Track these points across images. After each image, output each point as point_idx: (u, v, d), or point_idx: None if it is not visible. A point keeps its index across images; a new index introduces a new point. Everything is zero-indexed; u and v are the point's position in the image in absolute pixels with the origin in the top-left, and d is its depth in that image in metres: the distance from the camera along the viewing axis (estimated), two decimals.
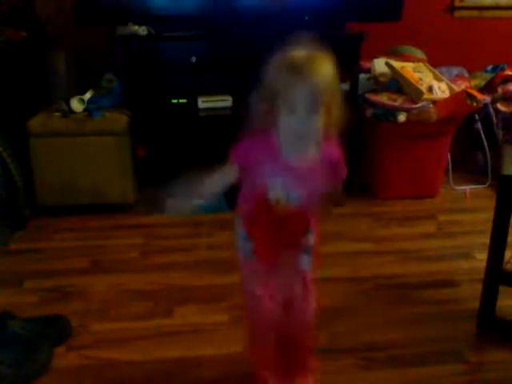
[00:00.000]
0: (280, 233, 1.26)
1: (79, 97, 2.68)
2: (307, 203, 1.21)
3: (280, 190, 1.18)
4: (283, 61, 1.11)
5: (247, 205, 1.27)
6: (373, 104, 2.76)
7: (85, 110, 2.67)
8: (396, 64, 2.77)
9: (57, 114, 2.64)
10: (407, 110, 2.68)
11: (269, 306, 1.34)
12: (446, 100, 2.68)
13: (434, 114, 2.68)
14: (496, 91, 2.93)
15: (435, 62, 2.94)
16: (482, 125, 2.99)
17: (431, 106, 2.68)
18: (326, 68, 1.10)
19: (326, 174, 1.20)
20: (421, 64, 2.86)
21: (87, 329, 1.78)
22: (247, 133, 1.19)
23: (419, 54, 2.95)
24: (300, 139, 1.13)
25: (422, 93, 2.64)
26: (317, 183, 1.19)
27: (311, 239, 1.32)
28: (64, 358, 1.64)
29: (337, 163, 1.22)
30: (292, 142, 1.14)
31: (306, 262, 1.32)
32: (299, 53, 1.11)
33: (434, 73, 2.83)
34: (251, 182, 1.21)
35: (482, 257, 1.81)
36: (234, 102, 2.70)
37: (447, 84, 2.76)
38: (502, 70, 3.01)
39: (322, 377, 1.55)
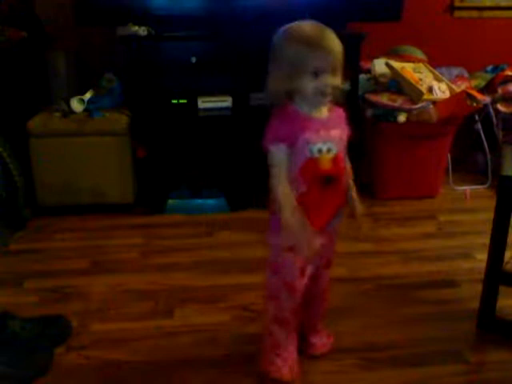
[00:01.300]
0: (328, 191, 1.37)
1: (79, 97, 2.68)
2: (341, 147, 1.38)
3: (318, 141, 1.32)
4: (298, 35, 1.28)
5: (296, 180, 1.34)
6: (373, 104, 2.76)
7: (85, 110, 2.67)
8: (396, 64, 2.77)
9: (57, 114, 2.64)
10: (407, 111, 2.68)
11: (301, 289, 1.46)
12: (446, 100, 2.68)
13: (434, 114, 2.68)
14: (496, 92, 2.93)
15: (435, 62, 2.95)
16: (482, 125, 2.99)
17: (431, 106, 2.68)
18: (335, 37, 1.28)
19: (341, 124, 1.39)
20: (421, 64, 2.86)
21: (87, 329, 1.78)
22: (271, 116, 1.31)
23: (419, 54, 2.95)
24: (323, 96, 1.29)
25: (422, 93, 2.64)
26: (340, 129, 1.38)
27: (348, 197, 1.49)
28: (64, 358, 1.64)
29: (344, 119, 1.42)
30: (313, 102, 1.31)
31: (339, 221, 1.48)
32: (308, 26, 1.30)
33: (434, 73, 2.83)
34: (295, 155, 1.32)
35: (482, 257, 1.81)
36: (233, 102, 2.70)
37: (447, 84, 2.77)
38: (502, 70, 3.01)
39: (322, 377, 1.56)
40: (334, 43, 1.27)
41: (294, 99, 1.32)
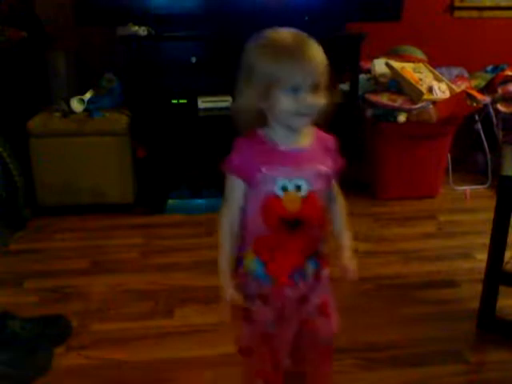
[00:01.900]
0: (294, 236, 1.16)
1: (79, 97, 2.68)
2: (318, 185, 1.14)
3: (285, 179, 1.11)
4: (273, 45, 1.08)
5: (255, 221, 1.16)
6: (373, 104, 2.76)
7: (85, 110, 2.67)
8: (396, 64, 2.77)
9: (57, 114, 2.64)
10: (407, 111, 2.68)
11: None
12: (446, 100, 2.68)
13: (434, 114, 2.68)
14: (496, 92, 2.93)
15: (435, 62, 2.95)
16: (482, 125, 2.99)
17: (431, 106, 2.68)
18: (318, 47, 1.09)
19: (324, 157, 1.16)
20: (421, 64, 2.86)
21: (87, 329, 1.78)
22: (235, 141, 1.13)
23: (419, 54, 2.95)
24: (302, 118, 1.09)
25: (422, 93, 2.64)
26: (322, 163, 1.14)
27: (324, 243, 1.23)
28: (64, 358, 1.64)
29: (332, 149, 1.18)
30: (289, 126, 1.11)
31: (323, 271, 1.23)
32: (285, 34, 1.08)
33: (434, 73, 2.83)
34: (255, 192, 1.14)
35: (482, 257, 1.81)
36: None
37: (447, 84, 2.77)
38: (502, 70, 3.01)
39: None
40: (316, 54, 1.07)
41: (265, 123, 1.12)
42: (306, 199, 1.12)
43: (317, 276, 1.22)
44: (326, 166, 1.15)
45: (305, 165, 1.12)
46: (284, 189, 1.12)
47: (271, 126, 1.12)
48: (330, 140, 1.19)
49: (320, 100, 1.09)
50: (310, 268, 1.20)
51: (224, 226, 1.22)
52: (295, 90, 1.05)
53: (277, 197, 1.12)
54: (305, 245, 1.18)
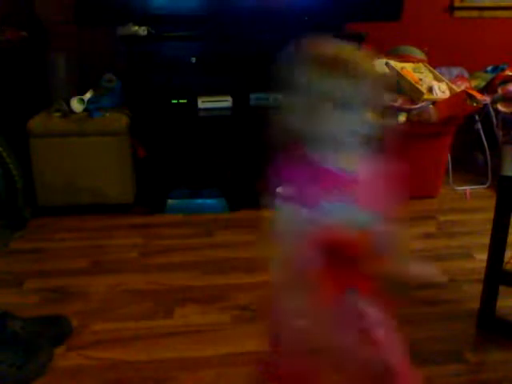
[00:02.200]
0: (338, 265, 1.03)
1: (79, 97, 2.68)
2: (371, 224, 1.00)
3: (335, 209, 0.98)
4: (317, 56, 0.98)
5: (299, 244, 1.05)
6: None
7: (85, 110, 2.67)
8: (396, 64, 2.77)
9: (57, 114, 2.64)
10: (407, 111, 2.68)
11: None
12: (446, 100, 2.68)
13: (434, 114, 2.68)
14: (496, 92, 2.93)
15: (435, 62, 2.94)
16: (481, 125, 2.99)
17: (431, 106, 2.68)
18: (369, 59, 1.02)
19: (379, 187, 1.01)
20: (421, 64, 2.86)
21: (87, 329, 1.78)
22: (274, 159, 1.02)
23: (419, 54, 2.95)
24: (350, 138, 0.98)
25: (421, 93, 2.64)
26: (375, 196, 1.00)
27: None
28: (64, 358, 1.64)
29: (390, 182, 1.02)
30: (335, 148, 0.99)
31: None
32: (331, 45, 0.99)
33: (434, 73, 2.83)
34: (300, 214, 1.02)
35: (482, 257, 1.81)
36: (234, 102, 2.70)
37: (447, 84, 2.76)
38: (502, 70, 3.01)
39: None
40: (369, 68, 0.98)
41: (307, 142, 1.01)
42: (356, 237, 1.01)
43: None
44: (368, 199, 1.01)
45: (360, 194, 1.01)
46: (332, 215, 1.01)
47: (317, 146, 1.00)
48: (384, 168, 1.03)
49: (372, 118, 0.98)
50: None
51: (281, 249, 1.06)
52: (344, 106, 0.96)
53: (325, 223, 1.01)
54: (348, 277, 1.06)
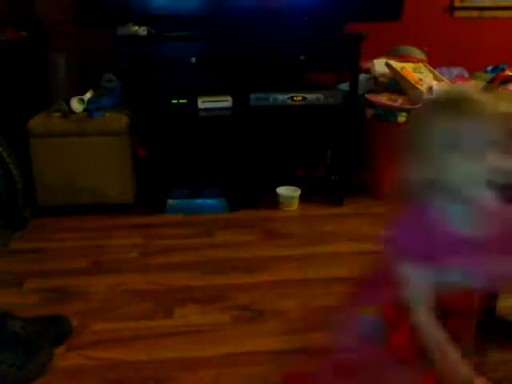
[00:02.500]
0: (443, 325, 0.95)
1: (79, 97, 2.68)
2: (483, 285, 0.93)
3: (454, 268, 0.91)
4: (449, 100, 0.91)
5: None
6: (373, 104, 2.76)
7: (85, 110, 2.67)
8: (396, 64, 2.77)
9: (57, 114, 2.64)
10: (407, 111, 2.68)
11: None
12: None
13: None
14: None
15: (435, 62, 2.94)
16: None
17: None
18: (509, 97, 0.94)
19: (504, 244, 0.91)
20: (421, 64, 2.86)
21: (87, 329, 1.78)
22: (400, 215, 0.95)
23: (419, 54, 2.95)
24: (483, 189, 0.87)
25: (422, 93, 2.64)
26: (493, 262, 0.91)
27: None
28: (64, 358, 1.64)
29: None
30: (465, 200, 0.89)
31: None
32: (463, 88, 0.96)
33: (434, 73, 2.83)
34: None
35: None
36: (234, 102, 2.70)
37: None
38: (502, 70, 3.00)
39: None
40: (506, 107, 0.87)
41: (433, 195, 0.91)
42: (466, 293, 0.95)
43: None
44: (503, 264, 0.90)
45: (483, 256, 0.90)
46: (448, 280, 0.93)
47: (443, 200, 0.91)
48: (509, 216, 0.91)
49: (509, 164, 0.85)
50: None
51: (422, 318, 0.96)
52: (476, 151, 0.85)
53: (439, 286, 0.94)
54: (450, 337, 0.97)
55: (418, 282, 0.94)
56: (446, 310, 0.95)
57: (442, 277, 0.92)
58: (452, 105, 0.88)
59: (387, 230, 0.97)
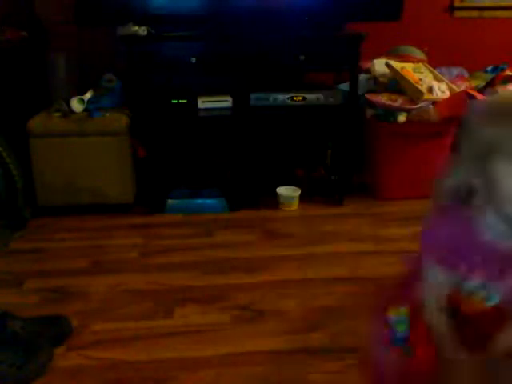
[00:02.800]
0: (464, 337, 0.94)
1: (79, 97, 2.68)
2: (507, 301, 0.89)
3: (478, 281, 0.88)
4: (498, 106, 0.88)
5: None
6: (373, 104, 2.76)
7: (85, 110, 2.67)
8: (396, 64, 2.77)
9: (57, 114, 2.64)
10: (407, 111, 2.68)
11: None
12: (446, 100, 2.68)
13: (434, 114, 2.68)
14: (496, 92, 2.93)
15: (435, 62, 2.94)
16: None
17: (431, 106, 2.68)
18: None
19: None
20: (421, 64, 2.86)
21: (87, 329, 1.78)
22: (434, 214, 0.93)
23: (419, 54, 2.95)
24: None
25: (421, 93, 2.64)
26: None
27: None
28: (64, 358, 1.64)
29: None
30: (506, 222, 0.84)
31: None
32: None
33: (434, 73, 2.83)
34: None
35: None
36: (234, 102, 2.70)
37: (447, 84, 2.76)
38: (502, 70, 3.00)
39: (323, 377, 1.56)
40: None
41: (476, 205, 0.87)
42: (492, 309, 0.91)
43: None
44: None
45: (504, 272, 0.87)
46: (470, 291, 0.91)
47: (483, 211, 0.87)
48: None
49: None
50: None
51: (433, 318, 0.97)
52: None
53: (458, 294, 0.92)
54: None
55: (437, 283, 0.93)
56: (464, 317, 0.93)
57: (464, 284, 0.90)
58: (505, 110, 0.85)
59: (423, 227, 0.96)
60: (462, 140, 0.89)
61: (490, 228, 0.87)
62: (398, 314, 1.03)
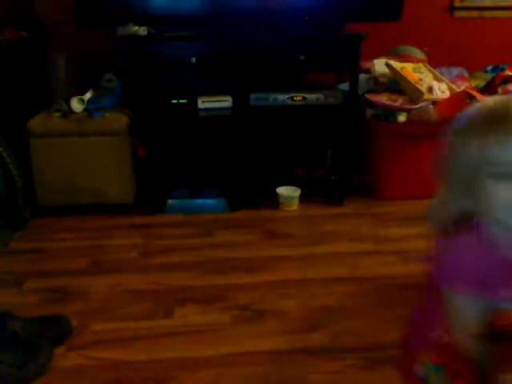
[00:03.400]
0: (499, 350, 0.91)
1: (79, 97, 2.68)
2: None
3: (507, 299, 0.85)
4: (473, 118, 0.84)
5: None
6: (373, 104, 2.76)
7: (85, 110, 2.67)
8: (396, 64, 2.77)
9: (57, 114, 2.64)
10: (407, 111, 2.68)
11: None
12: (446, 100, 2.68)
13: (434, 114, 2.68)
14: (496, 92, 2.93)
15: (435, 62, 2.94)
16: None
17: (431, 106, 2.68)
18: None
19: None
20: (421, 64, 2.86)
21: (87, 329, 1.78)
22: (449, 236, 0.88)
23: (419, 54, 2.95)
24: None
25: (421, 93, 2.64)
26: None
27: None
28: (64, 358, 1.64)
29: None
30: (507, 231, 0.82)
31: None
32: (491, 102, 0.84)
33: (434, 73, 2.83)
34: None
35: None
36: (234, 102, 2.70)
37: (447, 84, 2.76)
38: (502, 70, 3.00)
39: (323, 377, 1.56)
40: None
41: (479, 223, 0.85)
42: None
43: None
44: None
45: None
46: (506, 310, 0.88)
47: (488, 227, 0.84)
48: None
49: None
50: None
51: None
52: (508, 174, 0.78)
53: (495, 310, 0.89)
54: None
55: (469, 310, 0.89)
56: (501, 334, 0.90)
57: (494, 304, 0.87)
58: (481, 123, 0.81)
59: (434, 255, 0.91)
60: (450, 166, 0.86)
61: (502, 239, 0.84)
62: (425, 366, 1.00)
